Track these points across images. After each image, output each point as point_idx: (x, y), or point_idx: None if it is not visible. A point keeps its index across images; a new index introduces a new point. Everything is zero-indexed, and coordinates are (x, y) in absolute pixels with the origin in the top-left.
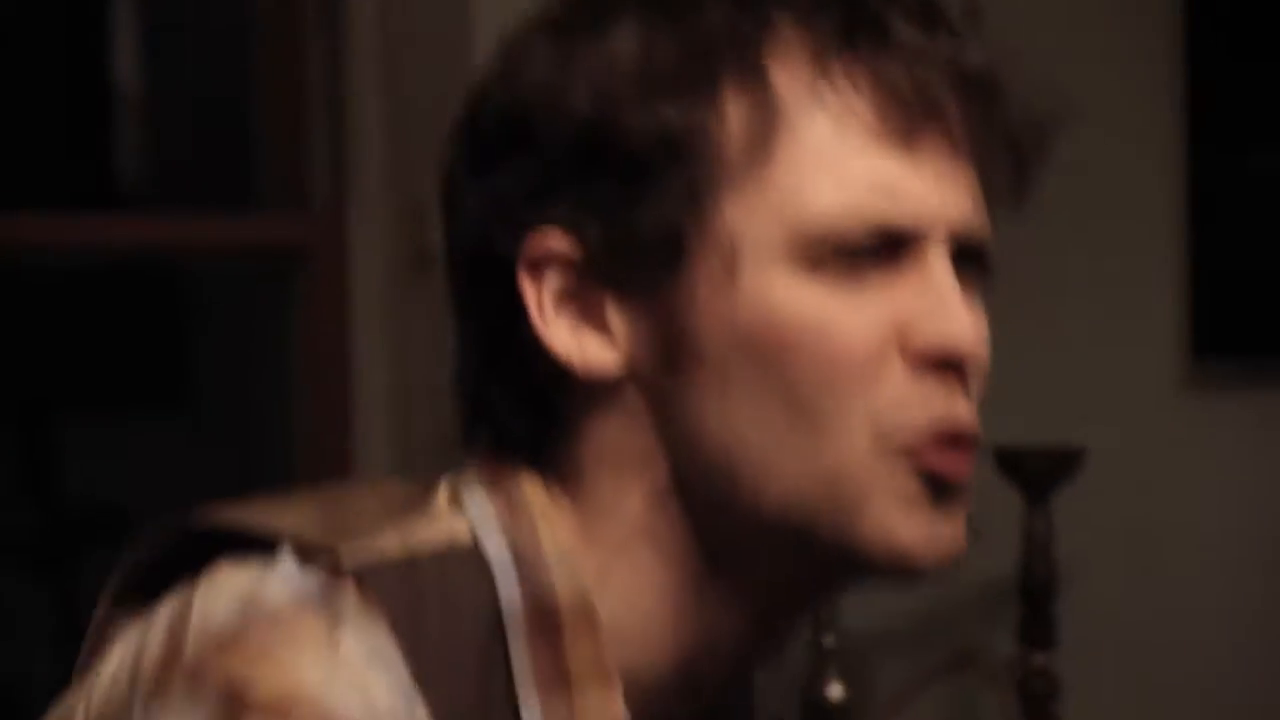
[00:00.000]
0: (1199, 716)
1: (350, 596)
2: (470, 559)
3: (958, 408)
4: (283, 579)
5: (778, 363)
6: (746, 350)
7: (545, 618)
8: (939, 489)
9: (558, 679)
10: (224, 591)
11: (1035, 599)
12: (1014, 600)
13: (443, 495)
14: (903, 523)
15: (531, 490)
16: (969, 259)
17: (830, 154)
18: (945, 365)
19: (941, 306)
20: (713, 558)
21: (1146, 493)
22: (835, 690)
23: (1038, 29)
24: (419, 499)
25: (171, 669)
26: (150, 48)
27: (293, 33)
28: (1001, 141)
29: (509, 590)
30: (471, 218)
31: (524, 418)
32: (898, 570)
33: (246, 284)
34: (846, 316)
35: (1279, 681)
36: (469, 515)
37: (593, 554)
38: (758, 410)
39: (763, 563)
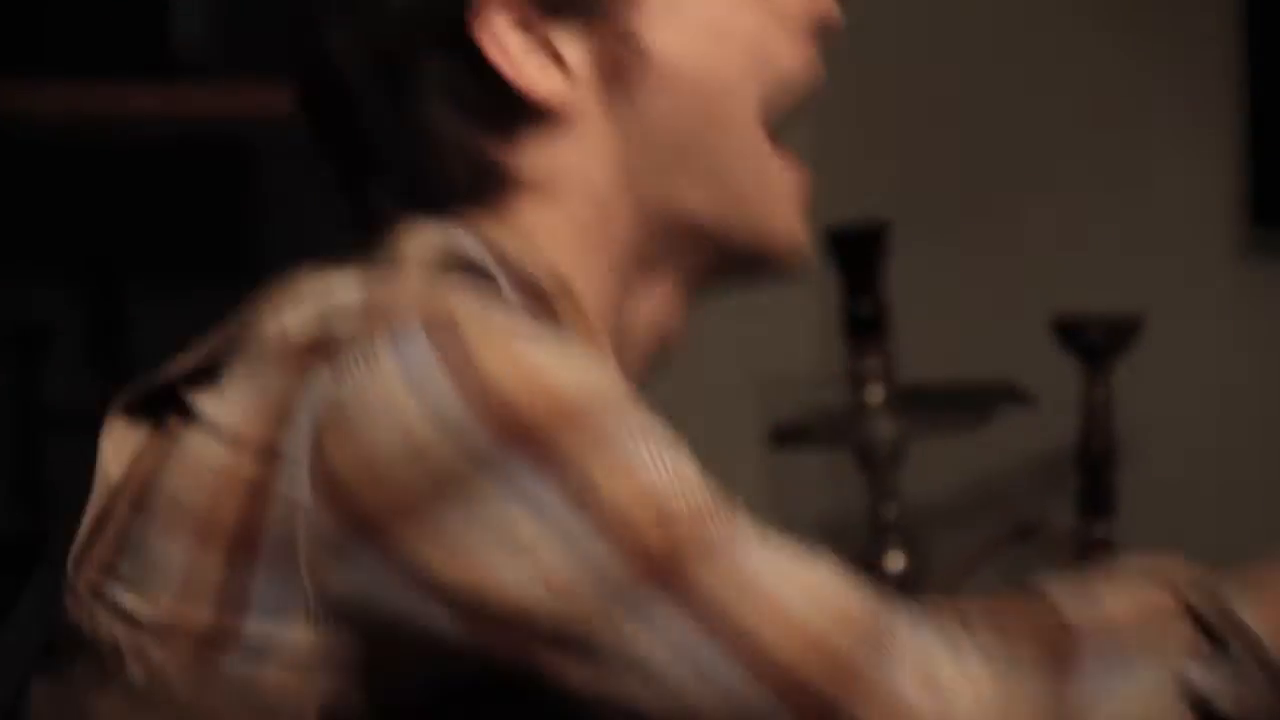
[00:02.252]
0: None
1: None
2: (462, 262)
3: (818, 65)
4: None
5: (705, 45)
6: (683, 39)
7: (538, 301)
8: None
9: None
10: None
11: (1095, 469)
12: (1073, 470)
13: (406, 242)
14: (799, 226)
15: (484, 220)
16: None
17: None
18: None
19: None
20: (641, 248)
21: (1206, 361)
22: (895, 560)
23: None
24: (393, 260)
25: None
26: None
27: None
28: None
29: (503, 281)
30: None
31: (474, 168)
32: (788, 264)
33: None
34: (754, 9)
35: None
36: (439, 242)
37: (554, 252)
38: (708, 111)
39: (689, 253)
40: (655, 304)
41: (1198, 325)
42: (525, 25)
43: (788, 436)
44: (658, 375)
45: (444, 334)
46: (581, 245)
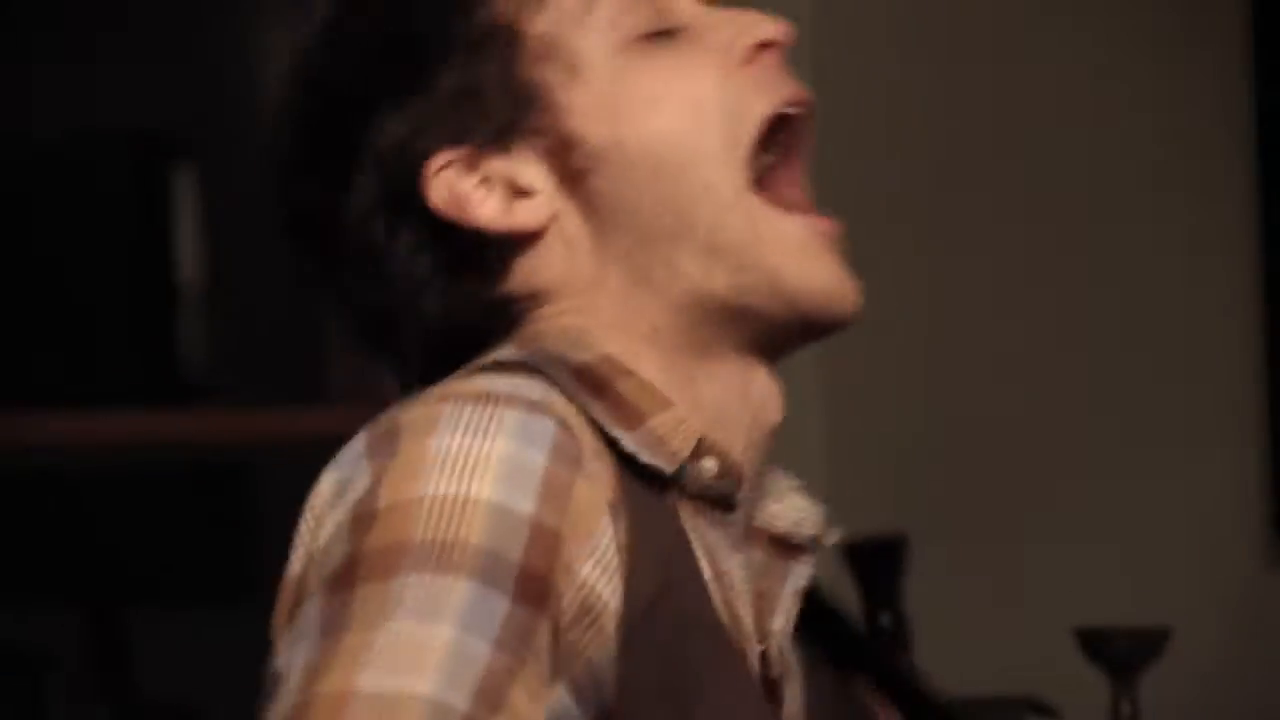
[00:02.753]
0: None
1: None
2: (514, 366)
3: (789, 85)
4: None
5: (646, 122)
6: (621, 126)
7: (589, 377)
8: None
9: (630, 415)
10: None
11: None
12: None
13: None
14: (821, 271)
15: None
16: None
17: None
18: (763, 49)
19: (734, 20)
20: (684, 336)
21: (1234, 674)
22: None
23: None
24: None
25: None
26: (214, 241)
27: None
28: None
29: (556, 374)
30: (369, 189)
31: (478, 312)
32: (830, 314)
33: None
34: (687, 71)
35: None
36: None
37: (596, 341)
38: (666, 171)
39: (730, 334)
40: (727, 385)
41: (1225, 637)
42: (471, 170)
43: None
44: None
45: (404, 420)
46: (624, 339)
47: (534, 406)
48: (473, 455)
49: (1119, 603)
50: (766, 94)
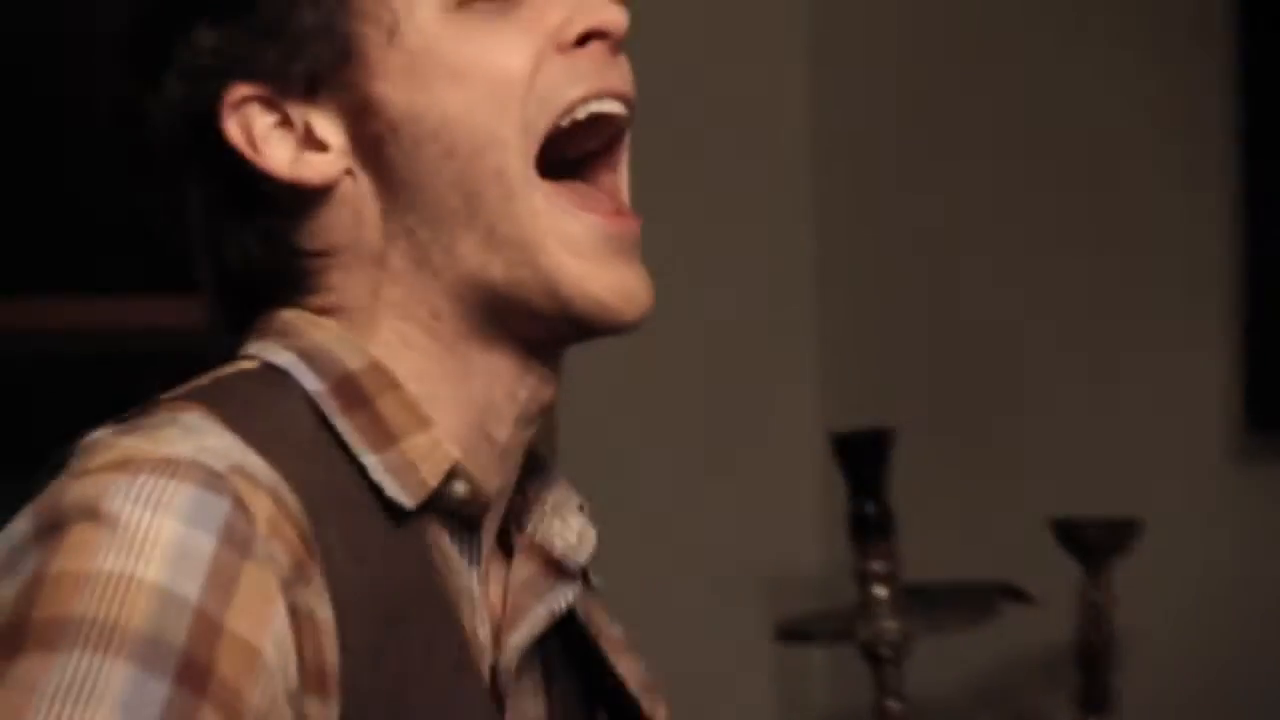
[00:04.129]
0: None
1: (177, 413)
2: (266, 373)
3: (611, 78)
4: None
5: (451, 93)
6: (428, 93)
7: (349, 389)
8: (608, 237)
9: (383, 435)
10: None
11: (1093, 668)
12: (1073, 668)
13: (228, 368)
14: (597, 274)
15: (289, 314)
16: None
17: None
18: (590, 38)
19: (584, 5)
20: (464, 322)
21: (1203, 563)
22: None
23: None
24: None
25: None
26: None
27: None
28: None
29: (309, 381)
30: (171, 97)
31: (266, 251)
32: (605, 321)
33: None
34: (500, 44)
35: None
36: (250, 354)
37: (366, 341)
38: (459, 152)
39: (508, 321)
40: (498, 379)
41: (1195, 528)
42: (271, 110)
43: (794, 634)
44: (669, 570)
45: (66, 501)
46: (403, 326)
47: (212, 481)
48: (142, 532)
49: (1096, 495)
50: (581, 83)
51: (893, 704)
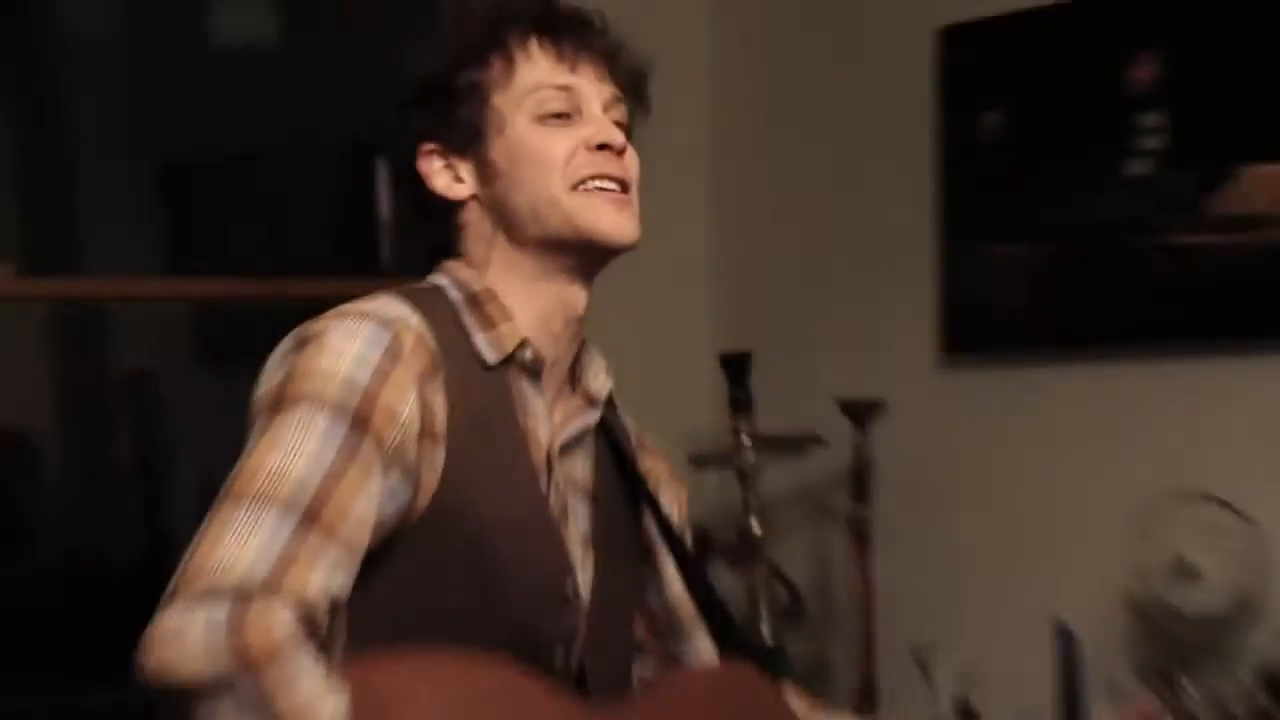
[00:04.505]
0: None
1: (382, 295)
2: (434, 288)
3: (610, 166)
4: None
5: (527, 161)
6: (517, 160)
7: (471, 299)
8: (607, 197)
9: (486, 322)
10: None
11: (861, 483)
12: (839, 489)
13: (419, 284)
14: (600, 218)
15: (453, 264)
16: (617, 120)
17: (536, 73)
18: (603, 147)
19: (599, 127)
20: (534, 264)
21: (917, 425)
22: (756, 527)
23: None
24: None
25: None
26: None
27: None
28: (623, 73)
29: (453, 293)
30: (403, 147)
31: (440, 230)
32: (610, 245)
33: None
34: (555, 140)
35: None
36: (429, 281)
37: (483, 276)
38: (530, 187)
39: (557, 260)
40: (559, 291)
41: (915, 405)
42: (442, 156)
43: (700, 461)
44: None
45: (314, 329)
46: (503, 268)
47: (384, 323)
48: (343, 350)
49: (863, 383)
50: (591, 168)
51: (752, 499)
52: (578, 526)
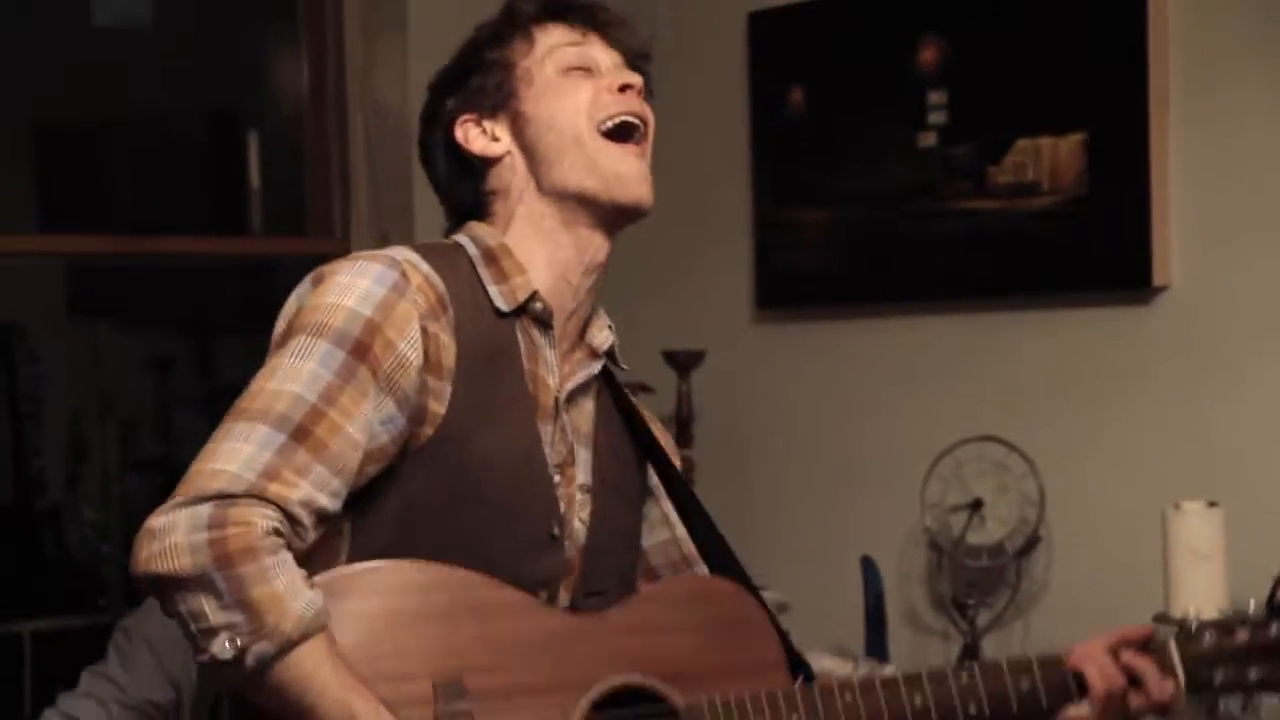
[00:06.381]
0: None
1: (401, 246)
2: (455, 244)
3: (632, 104)
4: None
5: (556, 102)
6: (546, 102)
7: (487, 253)
8: (628, 150)
9: (500, 275)
10: None
11: (683, 424)
12: (672, 422)
13: (442, 240)
14: (620, 164)
15: (474, 224)
16: (629, 78)
17: (558, 44)
18: (625, 89)
19: (619, 72)
20: (556, 219)
21: (733, 373)
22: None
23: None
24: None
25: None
26: None
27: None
28: (628, 42)
29: (471, 249)
30: (438, 123)
31: (470, 194)
32: (631, 199)
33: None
34: (581, 86)
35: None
36: (451, 238)
37: (503, 233)
38: (559, 124)
39: (579, 213)
40: (579, 243)
41: (731, 355)
42: (477, 122)
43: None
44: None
45: (328, 269)
46: (526, 223)
47: (391, 264)
48: (352, 286)
49: (685, 336)
50: (616, 106)
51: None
52: (581, 471)
